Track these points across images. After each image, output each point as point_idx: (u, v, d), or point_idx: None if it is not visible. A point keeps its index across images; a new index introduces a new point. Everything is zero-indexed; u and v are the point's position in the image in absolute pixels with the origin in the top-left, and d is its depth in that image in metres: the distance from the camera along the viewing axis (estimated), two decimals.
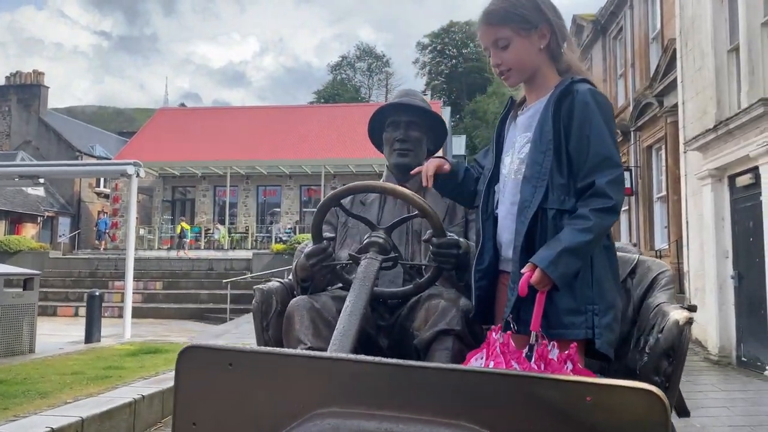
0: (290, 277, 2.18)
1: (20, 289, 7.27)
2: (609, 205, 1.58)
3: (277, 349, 1.26)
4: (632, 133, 16.08)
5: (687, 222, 10.08)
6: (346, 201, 2.23)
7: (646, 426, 1.05)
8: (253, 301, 2.04)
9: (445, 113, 40.87)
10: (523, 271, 1.56)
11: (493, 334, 1.50)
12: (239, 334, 10.97)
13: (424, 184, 1.82)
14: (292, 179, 29.03)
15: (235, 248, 25.52)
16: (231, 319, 14.41)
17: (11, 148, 34.15)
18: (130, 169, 12.54)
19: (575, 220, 1.59)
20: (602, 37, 19.25)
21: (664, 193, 13.93)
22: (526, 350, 1.46)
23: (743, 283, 8.19)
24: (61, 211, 34.13)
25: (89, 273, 19.68)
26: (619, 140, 17.24)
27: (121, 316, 12.42)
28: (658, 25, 14.58)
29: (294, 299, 1.90)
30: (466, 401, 1.11)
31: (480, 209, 1.80)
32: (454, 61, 74.82)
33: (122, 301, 12.90)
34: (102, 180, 35.34)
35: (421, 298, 1.92)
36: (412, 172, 1.95)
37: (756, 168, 7.56)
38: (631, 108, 16.02)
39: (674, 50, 10.95)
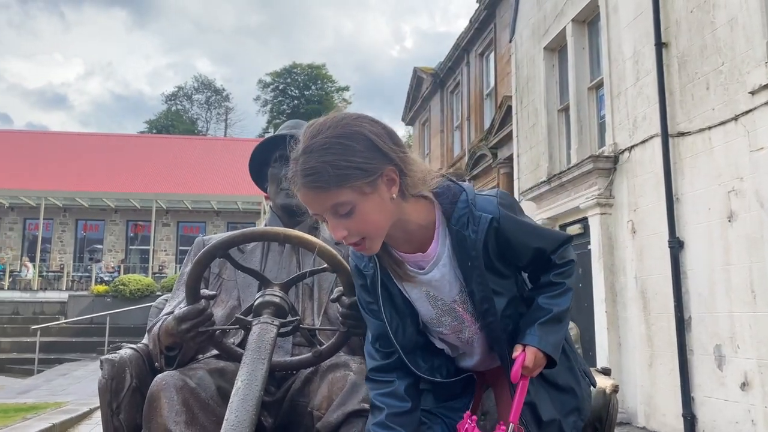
0: (145, 341, 1.75)
1: None
2: (567, 268, 1.45)
3: None
4: (467, 181, 16.95)
5: None
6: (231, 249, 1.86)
7: None
8: (100, 377, 1.57)
9: None
10: (514, 356, 1.34)
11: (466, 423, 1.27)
12: (50, 389, 9.57)
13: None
14: (117, 213, 26.83)
15: (46, 289, 22.79)
16: (40, 371, 12.64)
17: None
18: None
19: (545, 288, 1.42)
20: (441, 90, 20.30)
21: None
22: None
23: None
24: None
25: None
26: None
27: None
28: (492, 83, 15.65)
29: (159, 376, 1.48)
30: None
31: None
32: (296, 101, 75.23)
33: None
34: None
35: (319, 370, 1.59)
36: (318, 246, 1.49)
37: (585, 218, 8.17)
38: (466, 158, 16.93)
39: (508, 106, 11.74)
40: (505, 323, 1.40)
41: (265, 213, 25.69)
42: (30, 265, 24.31)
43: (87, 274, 24.50)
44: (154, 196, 25.11)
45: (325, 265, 1.52)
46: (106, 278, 22.24)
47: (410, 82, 22.87)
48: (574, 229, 8.66)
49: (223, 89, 67.18)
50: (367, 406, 1.42)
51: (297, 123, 2.07)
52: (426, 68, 21.33)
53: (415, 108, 22.98)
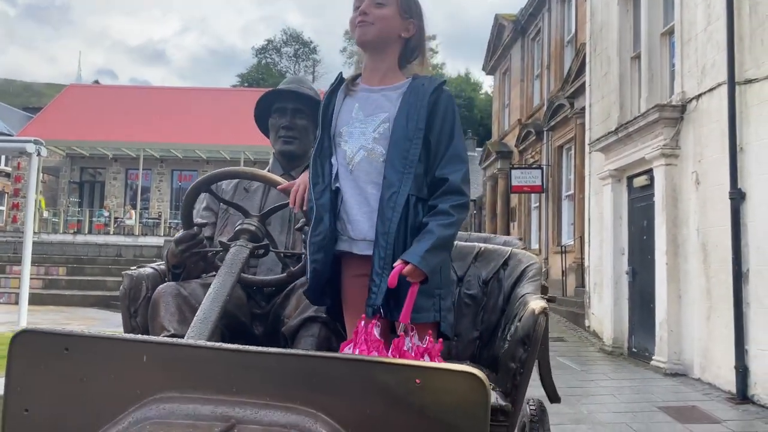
0: (163, 263, 2.14)
1: None
2: (464, 201, 1.68)
3: (115, 334, 1.23)
4: (545, 132, 16.68)
5: (589, 219, 10.57)
6: (229, 187, 2.20)
7: (468, 405, 1.10)
8: (121, 287, 1.98)
9: None
10: (394, 265, 1.59)
11: (362, 323, 1.54)
12: None
13: (295, 210, 1.80)
14: (210, 164, 28.28)
15: (146, 235, 24.62)
16: None
17: None
18: (30, 147, 11.85)
19: (438, 216, 1.65)
20: (521, 38, 19.82)
21: (572, 191, 14.55)
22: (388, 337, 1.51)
23: (636, 278, 8.69)
24: None
25: None
26: (532, 139, 17.90)
27: (18, 302, 11.76)
28: (573, 29, 15.16)
29: (161, 285, 1.86)
30: (301, 385, 1.13)
31: (311, 179, 1.76)
32: None
33: (20, 287, 12.22)
34: (3, 158, 33.21)
35: (295, 287, 1.92)
36: (279, 187, 1.85)
37: (651, 170, 8.02)
38: (545, 108, 16.61)
39: (585, 54, 11.43)
40: (395, 172, 1.65)
41: None
42: (133, 212, 26.28)
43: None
44: (243, 148, 26.25)
45: (287, 201, 1.83)
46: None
47: (491, 30, 22.40)
48: (640, 181, 8.52)
49: (311, 41, 67.76)
50: (321, 313, 1.74)
51: (297, 78, 2.36)
52: (507, 15, 20.81)
53: (495, 57, 22.57)
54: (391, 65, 1.81)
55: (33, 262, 14.11)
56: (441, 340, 1.63)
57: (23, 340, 1.20)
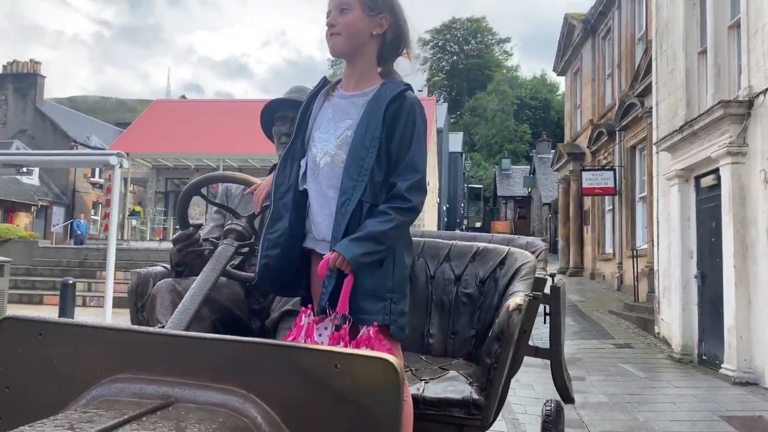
0: None
1: None
2: (406, 206, 1.71)
3: (78, 321, 1.37)
4: (617, 132, 16.18)
5: (657, 222, 10.19)
6: (237, 191, 2.35)
7: (382, 389, 1.17)
8: (130, 284, 2.16)
9: (441, 110, 40.93)
10: (326, 255, 1.67)
11: (304, 316, 1.62)
12: None
13: (256, 210, 1.91)
14: None
15: None
16: None
17: (7, 137, 34.25)
18: (113, 160, 12.62)
19: (376, 215, 1.70)
20: (592, 37, 19.33)
21: (645, 193, 14.03)
22: (330, 328, 1.59)
23: (706, 282, 8.31)
24: (55, 201, 34.27)
25: (78, 263, 19.80)
26: (604, 140, 17.39)
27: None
28: (644, 26, 14.66)
29: (159, 282, 2.02)
30: (234, 369, 1.23)
31: (275, 179, 1.84)
32: (455, 57, 74.81)
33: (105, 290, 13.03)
34: (97, 170, 35.46)
35: None
36: (246, 191, 1.99)
37: (717, 169, 7.67)
38: (616, 108, 16.11)
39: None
40: (350, 180, 1.71)
41: None
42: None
43: None
44: None
45: (269, 203, 1.95)
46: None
47: (561, 30, 21.96)
48: (707, 181, 8.15)
49: None
50: (298, 306, 1.85)
51: (299, 88, 2.48)
52: (577, 14, 20.35)
53: (566, 57, 22.09)
54: (367, 68, 1.85)
55: (120, 268, 14.99)
56: (389, 338, 1.68)
57: (5, 325, 1.36)
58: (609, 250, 17.39)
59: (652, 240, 11.71)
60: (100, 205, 33.04)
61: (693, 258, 8.67)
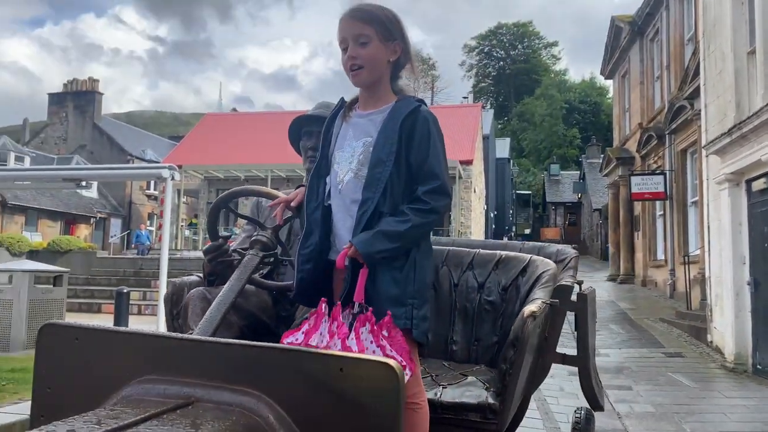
0: None
1: (50, 286, 7.79)
2: (425, 208, 1.79)
3: (109, 327, 1.49)
4: (666, 136, 15.80)
5: (708, 227, 9.92)
6: (263, 203, 2.46)
7: (383, 391, 1.24)
8: (165, 293, 2.29)
9: (487, 117, 40.68)
10: (344, 247, 1.79)
11: (322, 306, 1.73)
12: None
13: (279, 223, 2.03)
14: None
15: None
16: None
17: (68, 152, 35.82)
18: (165, 173, 13.07)
19: (396, 216, 1.80)
20: (639, 39, 18.96)
21: (697, 197, 13.65)
22: (349, 318, 1.69)
23: (759, 289, 8.04)
24: (113, 213, 35.58)
25: (134, 272, 20.49)
26: (654, 144, 16.99)
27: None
28: (693, 26, 14.31)
29: (191, 291, 2.15)
30: (248, 371, 1.32)
31: (306, 196, 1.96)
32: (501, 63, 74.30)
33: (159, 299, 13.48)
34: (152, 183, 36.63)
35: None
36: (269, 205, 2.11)
37: None
38: (665, 110, 15.74)
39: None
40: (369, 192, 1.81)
41: (460, 177, 26.36)
42: None
43: None
44: None
45: (291, 214, 2.05)
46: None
47: (608, 33, 21.59)
48: (758, 184, 7.90)
49: (429, 58, 68.43)
50: None
51: (324, 104, 2.59)
52: (624, 16, 19.99)
53: (613, 60, 21.71)
54: (382, 89, 1.96)
55: (173, 277, 15.35)
56: (412, 341, 1.75)
57: (47, 331, 1.49)
58: (661, 256, 16.95)
59: (704, 246, 11.38)
60: (155, 216, 34.11)
61: (746, 264, 8.40)
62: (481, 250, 2.50)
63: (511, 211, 53.41)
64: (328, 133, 2.01)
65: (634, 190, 16.08)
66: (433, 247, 2.64)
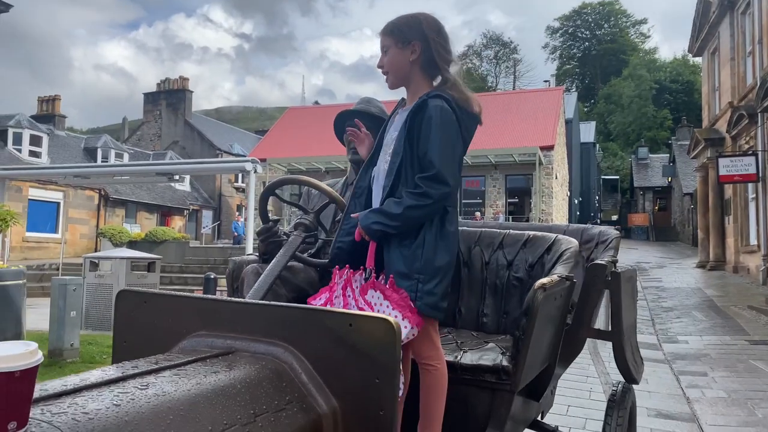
0: None
1: (145, 272, 8.51)
2: (417, 192, 2.00)
3: (170, 292, 1.80)
4: (759, 115, 15.00)
5: None
6: (312, 190, 2.75)
7: (384, 343, 1.48)
8: (227, 269, 2.62)
9: (570, 100, 39.65)
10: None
11: (345, 272, 2.01)
12: None
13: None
14: None
15: None
16: None
17: (162, 149, 38.00)
18: (248, 166, 13.81)
19: (399, 197, 2.04)
20: (730, 13, 18.00)
21: None
22: (360, 281, 1.96)
23: None
24: (204, 205, 37.47)
25: (223, 261, 21.63)
26: (745, 123, 16.16)
27: None
28: None
29: (247, 266, 2.47)
30: (278, 327, 1.60)
31: (356, 182, 2.26)
32: (586, 43, 71.86)
33: None
34: (240, 176, 38.25)
35: None
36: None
37: None
38: (757, 88, 14.94)
39: None
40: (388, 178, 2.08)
41: (540, 164, 25.95)
42: None
43: None
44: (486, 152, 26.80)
45: (327, 201, 2.32)
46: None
47: (696, 8, 20.61)
48: None
49: (511, 42, 67.24)
50: None
51: (366, 99, 2.83)
52: None
53: (702, 36, 20.70)
54: (418, 87, 2.17)
55: None
56: (421, 315, 1.97)
57: (122, 296, 1.84)
58: (753, 241, 16.15)
59: None
60: (243, 208, 35.67)
61: None
62: (511, 231, 2.69)
63: (597, 197, 51.88)
64: (385, 129, 2.28)
65: (722, 172, 15.40)
66: (467, 229, 2.86)
